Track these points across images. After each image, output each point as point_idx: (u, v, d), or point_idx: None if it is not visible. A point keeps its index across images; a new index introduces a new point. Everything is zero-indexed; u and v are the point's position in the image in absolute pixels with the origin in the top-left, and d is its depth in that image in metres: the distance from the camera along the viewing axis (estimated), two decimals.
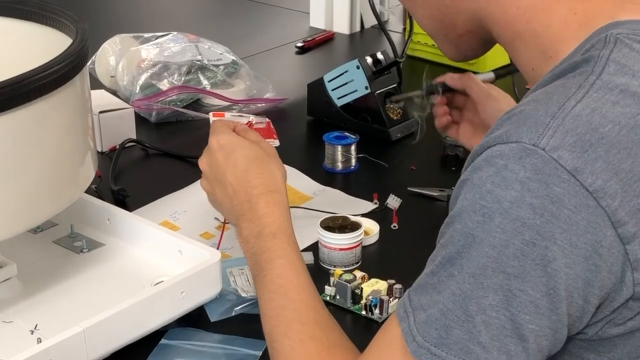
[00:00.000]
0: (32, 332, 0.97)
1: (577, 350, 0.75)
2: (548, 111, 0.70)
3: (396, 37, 2.04)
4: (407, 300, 0.74)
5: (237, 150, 1.01)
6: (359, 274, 1.10)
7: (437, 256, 0.73)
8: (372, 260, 1.19)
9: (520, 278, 0.68)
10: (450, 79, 1.22)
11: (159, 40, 1.72)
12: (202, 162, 1.04)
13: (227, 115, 1.60)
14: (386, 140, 1.53)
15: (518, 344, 0.69)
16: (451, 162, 1.45)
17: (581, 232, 0.68)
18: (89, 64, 1.34)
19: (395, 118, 1.55)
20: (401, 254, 1.21)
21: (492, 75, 1.25)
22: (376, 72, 1.54)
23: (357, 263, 1.17)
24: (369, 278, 1.10)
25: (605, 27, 0.75)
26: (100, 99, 1.51)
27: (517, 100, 1.23)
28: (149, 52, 1.66)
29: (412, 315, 0.73)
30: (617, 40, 0.73)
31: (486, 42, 0.88)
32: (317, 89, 1.58)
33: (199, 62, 1.67)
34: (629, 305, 0.71)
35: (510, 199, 0.68)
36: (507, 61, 1.71)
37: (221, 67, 1.68)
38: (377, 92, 1.53)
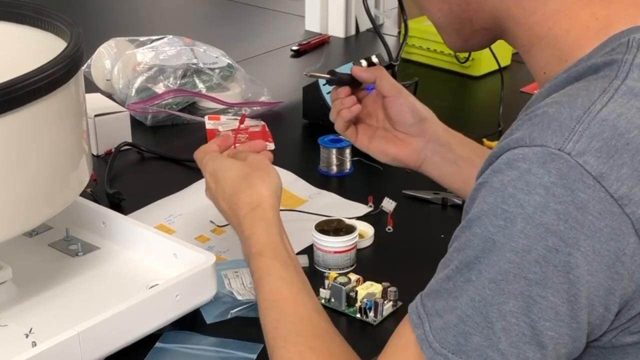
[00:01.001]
0: (27, 336, 0.97)
1: (589, 358, 0.74)
2: (573, 115, 0.69)
3: (391, 41, 2.05)
4: (420, 305, 0.73)
5: (223, 174, 1.02)
6: (353, 276, 1.10)
7: (453, 260, 0.72)
8: (366, 263, 1.19)
9: (541, 284, 0.67)
10: (357, 70, 1.16)
11: (154, 43, 1.72)
12: (205, 192, 1.07)
13: (223, 118, 1.61)
14: None
15: (537, 351, 0.68)
16: None
17: (605, 240, 0.67)
18: (84, 67, 1.35)
19: None
20: (396, 256, 1.21)
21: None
22: None
23: (352, 266, 1.17)
24: (364, 281, 1.11)
25: (627, 31, 0.74)
26: (95, 102, 1.51)
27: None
28: (145, 55, 1.66)
29: (427, 322, 0.72)
30: None
31: (495, 39, 0.87)
32: (312, 92, 1.59)
33: (194, 66, 1.67)
34: None
35: (534, 204, 0.67)
36: (502, 64, 1.72)
37: (217, 71, 1.68)
38: None
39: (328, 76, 1.16)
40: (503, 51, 1.70)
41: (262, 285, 0.91)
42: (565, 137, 0.68)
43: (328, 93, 1.55)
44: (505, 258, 0.68)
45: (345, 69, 1.53)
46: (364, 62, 1.54)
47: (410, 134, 1.14)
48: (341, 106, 1.14)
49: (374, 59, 1.56)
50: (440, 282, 0.73)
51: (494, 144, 1.42)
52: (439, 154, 1.13)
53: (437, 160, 1.13)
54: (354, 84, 1.16)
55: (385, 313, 1.07)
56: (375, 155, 1.16)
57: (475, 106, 1.81)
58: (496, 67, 1.73)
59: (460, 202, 1.32)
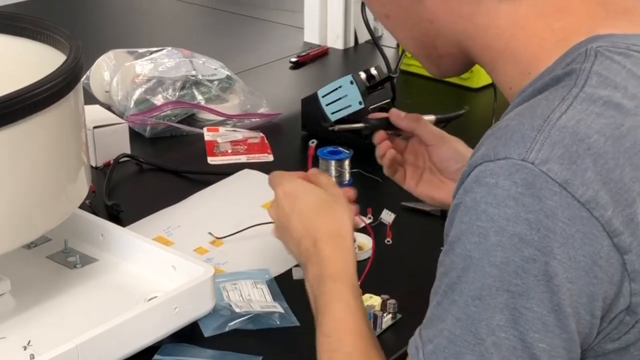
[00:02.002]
0: (25, 348, 0.97)
1: None
2: (534, 124, 0.70)
3: (390, 53, 2.05)
4: (418, 336, 0.74)
5: (303, 196, 1.02)
6: None
7: (440, 286, 0.73)
8: (365, 276, 1.19)
9: (524, 295, 0.68)
10: (396, 117, 1.13)
11: (153, 55, 1.72)
12: (271, 212, 1.06)
13: (222, 130, 1.61)
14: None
15: None
16: None
17: (578, 245, 0.67)
18: (83, 79, 1.35)
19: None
20: (395, 269, 1.21)
21: (433, 117, 1.21)
22: (370, 88, 1.54)
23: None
24: (363, 293, 1.10)
25: (585, 41, 0.75)
26: (94, 113, 1.52)
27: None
28: (144, 67, 1.67)
29: (421, 350, 0.73)
30: (597, 53, 0.73)
31: (467, 63, 0.88)
32: (311, 104, 1.59)
33: (193, 77, 1.67)
34: (625, 320, 0.71)
35: (506, 216, 0.68)
36: None
37: (215, 82, 1.69)
38: (371, 107, 1.53)
39: (362, 125, 1.15)
40: None
41: (330, 310, 0.91)
42: (528, 147, 0.68)
43: (327, 105, 1.56)
44: (486, 273, 0.68)
45: (344, 81, 1.54)
46: (362, 75, 1.54)
47: (455, 180, 1.13)
48: (379, 152, 1.14)
49: (373, 71, 1.56)
50: (432, 309, 0.73)
51: None
52: None
53: None
54: (391, 128, 1.14)
55: (384, 326, 1.07)
56: (424, 200, 1.16)
57: (474, 118, 1.81)
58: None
59: None
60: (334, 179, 1.43)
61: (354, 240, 1.01)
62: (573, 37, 0.76)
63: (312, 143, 1.19)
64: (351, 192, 1.08)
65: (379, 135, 1.14)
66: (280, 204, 1.04)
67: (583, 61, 0.73)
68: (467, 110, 1.35)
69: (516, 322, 0.68)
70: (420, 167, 1.15)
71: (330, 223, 0.99)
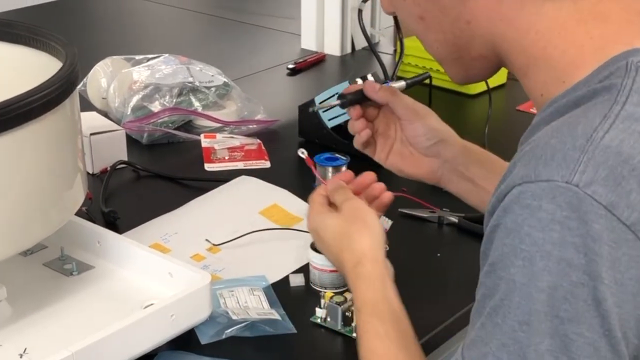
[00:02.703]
0: (21, 356, 0.97)
1: None
2: (576, 144, 0.68)
3: (387, 59, 2.05)
4: (460, 357, 0.73)
5: (323, 234, 1.04)
6: (349, 296, 1.09)
7: (485, 307, 0.71)
8: None
9: (574, 321, 0.66)
10: (371, 90, 1.13)
11: (150, 62, 1.72)
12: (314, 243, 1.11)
13: (219, 136, 1.61)
14: (377, 162, 1.53)
15: None
16: None
17: (624, 269, 0.66)
18: (80, 86, 1.34)
19: None
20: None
21: (403, 83, 1.21)
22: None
23: (347, 285, 1.16)
24: None
25: (624, 54, 0.73)
26: (91, 120, 1.51)
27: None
28: (141, 74, 1.67)
29: None
30: (638, 69, 0.72)
31: (496, 67, 0.87)
32: (308, 110, 1.58)
33: (190, 84, 1.67)
34: None
35: (551, 240, 0.67)
36: (497, 82, 1.72)
37: (213, 89, 1.69)
38: None
39: (338, 102, 1.15)
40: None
41: (361, 343, 0.92)
42: (571, 169, 0.67)
43: (325, 111, 1.56)
44: (533, 298, 0.67)
45: (340, 87, 1.53)
46: (359, 81, 1.54)
47: (426, 155, 1.14)
48: (351, 127, 1.15)
49: (370, 78, 1.56)
50: (476, 330, 0.72)
51: None
52: (456, 173, 1.13)
53: (453, 178, 1.14)
54: (366, 101, 1.14)
55: None
56: (393, 170, 1.17)
57: (471, 124, 1.81)
58: (492, 85, 1.74)
59: (456, 220, 1.32)
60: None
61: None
62: (611, 47, 0.75)
63: (303, 154, 1.19)
64: (349, 175, 1.10)
65: (355, 112, 1.13)
66: (314, 239, 1.08)
67: (624, 76, 0.72)
68: (429, 74, 1.34)
69: (567, 347, 0.67)
70: (391, 138, 1.15)
71: (349, 254, 1.00)
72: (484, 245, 0.73)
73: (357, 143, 1.16)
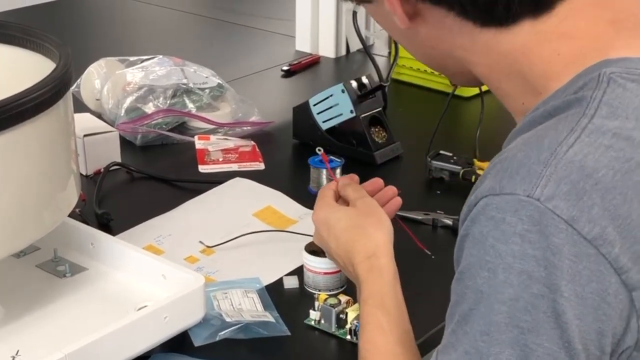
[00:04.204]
0: (13, 358, 0.96)
1: None
2: (540, 158, 0.69)
3: (381, 61, 2.05)
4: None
5: (334, 224, 1.04)
6: (343, 298, 1.09)
7: (455, 314, 0.73)
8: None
9: (534, 332, 0.67)
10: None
11: (144, 63, 1.72)
12: (314, 237, 1.10)
13: (213, 138, 1.61)
14: (371, 164, 1.53)
15: None
16: (436, 186, 1.46)
17: (585, 282, 0.67)
18: (74, 87, 1.34)
19: (380, 141, 1.55)
20: None
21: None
22: (361, 96, 1.54)
23: (341, 287, 1.16)
24: (354, 302, 1.10)
25: (598, 65, 0.73)
26: (85, 122, 1.51)
27: None
28: (135, 75, 1.66)
29: None
30: (610, 80, 0.71)
31: (477, 78, 0.87)
32: (302, 112, 1.59)
33: (184, 86, 1.67)
34: (632, 356, 0.70)
35: (512, 253, 0.68)
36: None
37: (207, 91, 1.68)
38: (362, 115, 1.54)
39: None
40: None
41: (362, 333, 0.93)
42: (534, 183, 0.68)
43: (319, 113, 1.56)
44: (494, 309, 0.68)
45: (336, 89, 1.54)
46: (354, 83, 1.54)
47: None
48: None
49: (364, 80, 1.56)
50: (447, 336, 0.73)
51: (485, 164, 1.42)
52: None
53: None
54: None
55: None
56: None
57: (465, 127, 1.81)
58: (487, 88, 1.73)
59: (450, 222, 1.32)
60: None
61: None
62: (582, 60, 0.74)
63: (320, 151, 1.22)
64: (356, 178, 1.12)
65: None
66: (319, 231, 1.07)
67: (595, 88, 0.71)
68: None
69: (527, 357, 0.67)
70: None
71: (362, 246, 1.00)
72: (456, 253, 0.75)
73: None
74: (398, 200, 1.12)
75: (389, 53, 2.11)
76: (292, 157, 1.61)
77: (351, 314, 1.07)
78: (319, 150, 1.22)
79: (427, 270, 1.23)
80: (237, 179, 1.47)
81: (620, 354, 0.70)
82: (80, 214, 1.32)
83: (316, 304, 1.09)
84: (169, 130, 1.62)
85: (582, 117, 0.70)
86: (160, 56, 1.75)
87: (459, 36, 0.79)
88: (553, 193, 0.67)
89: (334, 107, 1.54)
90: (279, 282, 1.18)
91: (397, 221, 1.14)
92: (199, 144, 1.59)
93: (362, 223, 1.03)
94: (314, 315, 1.09)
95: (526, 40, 0.76)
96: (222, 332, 1.06)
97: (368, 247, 1.00)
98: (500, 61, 0.79)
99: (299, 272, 1.19)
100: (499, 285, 0.68)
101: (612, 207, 0.67)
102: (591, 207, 0.67)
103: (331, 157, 1.43)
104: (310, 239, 1.21)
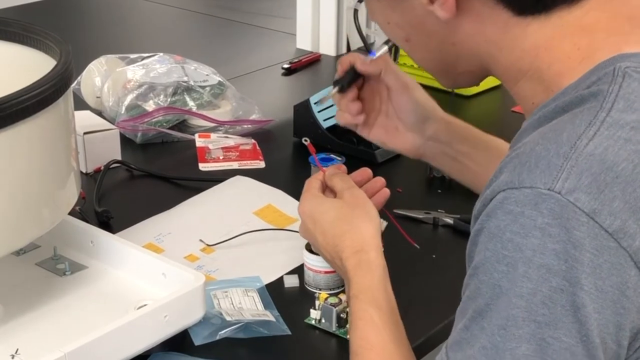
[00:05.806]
0: (12, 357, 0.96)
1: None
2: (560, 151, 0.69)
3: None
4: (445, 357, 0.73)
5: (320, 216, 1.03)
6: (344, 297, 1.09)
7: (468, 309, 0.72)
8: None
9: (552, 326, 0.67)
10: (361, 64, 1.12)
11: (145, 61, 1.72)
12: (300, 230, 1.08)
13: (213, 136, 1.61)
14: (372, 162, 1.53)
15: None
16: (437, 184, 1.45)
17: (606, 276, 0.67)
18: (74, 84, 1.34)
19: None
20: None
21: (386, 47, 1.16)
22: None
23: (342, 286, 1.16)
24: None
25: (612, 60, 0.74)
26: (85, 119, 1.51)
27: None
28: (135, 73, 1.66)
29: None
30: (625, 74, 0.72)
31: (484, 77, 0.88)
32: (303, 110, 1.58)
33: (185, 83, 1.66)
34: None
35: (532, 247, 0.67)
36: (493, 84, 1.72)
37: (207, 89, 1.68)
38: None
39: (336, 89, 1.14)
40: None
41: (354, 329, 0.92)
42: (554, 176, 0.68)
43: (319, 112, 1.56)
44: (512, 303, 0.68)
45: (324, 93, 1.53)
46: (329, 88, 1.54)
47: (410, 130, 1.14)
48: (347, 110, 1.14)
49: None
50: (459, 332, 0.73)
51: None
52: (438, 149, 1.14)
53: (435, 155, 1.15)
54: (356, 79, 1.14)
55: None
56: (376, 143, 1.18)
57: None
58: (487, 86, 1.73)
59: (451, 221, 1.32)
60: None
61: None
62: (598, 54, 0.75)
63: (306, 141, 1.19)
64: (343, 168, 1.11)
65: (352, 94, 1.13)
66: (305, 224, 1.06)
67: (610, 82, 0.72)
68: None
69: (543, 351, 0.67)
70: (376, 110, 1.15)
71: (349, 240, 1.00)
72: (469, 248, 0.74)
73: (342, 118, 1.15)
74: (386, 192, 1.11)
75: (390, 51, 2.10)
76: (292, 156, 1.61)
77: None
78: (305, 140, 1.19)
79: (427, 269, 1.23)
80: (238, 177, 1.46)
81: (637, 348, 0.70)
82: (80, 212, 1.31)
83: (317, 303, 1.09)
84: (170, 128, 1.61)
85: (599, 111, 0.70)
86: (161, 54, 1.74)
87: (491, 27, 0.80)
88: (574, 186, 0.67)
89: (334, 105, 1.54)
90: (280, 281, 1.18)
91: (386, 213, 1.13)
92: (199, 142, 1.59)
93: (349, 215, 1.02)
94: (314, 314, 1.09)
95: (551, 33, 0.77)
96: (222, 331, 1.06)
97: (356, 240, 0.99)
98: (523, 58, 0.79)
99: (299, 271, 1.19)
100: (518, 280, 0.68)
101: (632, 200, 0.67)
102: (612, 200, 0.67)
103: (332, 155, 1.43)
104: None
